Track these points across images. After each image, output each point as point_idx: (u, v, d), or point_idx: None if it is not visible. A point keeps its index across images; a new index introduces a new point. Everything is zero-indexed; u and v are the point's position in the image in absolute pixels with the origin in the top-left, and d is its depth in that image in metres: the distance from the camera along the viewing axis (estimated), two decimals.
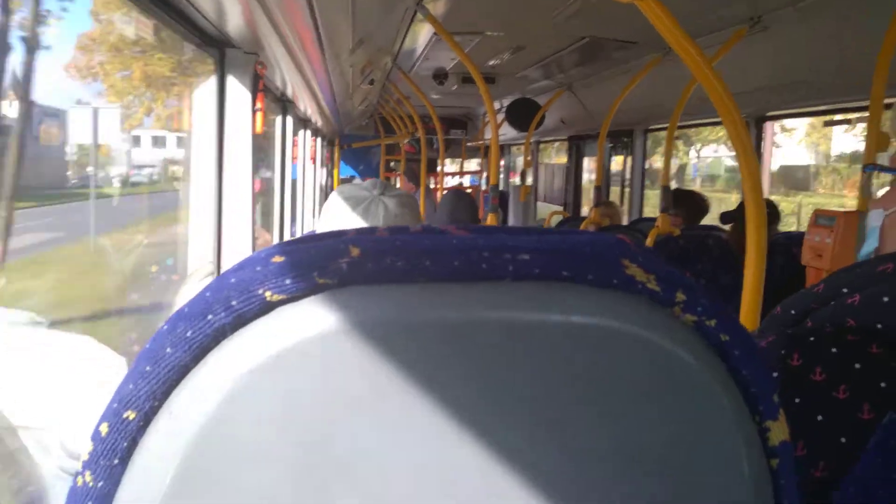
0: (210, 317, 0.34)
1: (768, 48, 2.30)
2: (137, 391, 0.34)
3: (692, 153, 21.82)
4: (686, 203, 3.15)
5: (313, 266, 0.33)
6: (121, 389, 0.35)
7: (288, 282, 0.33)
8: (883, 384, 0.58)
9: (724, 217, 2.77)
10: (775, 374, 0.64)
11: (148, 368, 0.34)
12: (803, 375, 0.62)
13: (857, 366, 0.60)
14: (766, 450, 0.38)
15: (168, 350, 0.34)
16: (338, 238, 0.35)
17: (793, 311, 0.71)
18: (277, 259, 0.34)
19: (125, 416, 0.35)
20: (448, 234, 0.36)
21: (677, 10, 1.20)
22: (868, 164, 1.38)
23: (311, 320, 0.33)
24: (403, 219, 1.20)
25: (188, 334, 0.34)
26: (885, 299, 0.61)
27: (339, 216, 1.20)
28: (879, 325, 0.61)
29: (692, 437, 0.36)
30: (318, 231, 1.24)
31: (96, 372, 1.10)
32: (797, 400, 0.61)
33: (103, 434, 0.35)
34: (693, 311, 0.36)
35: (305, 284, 0.33)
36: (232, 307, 0.33)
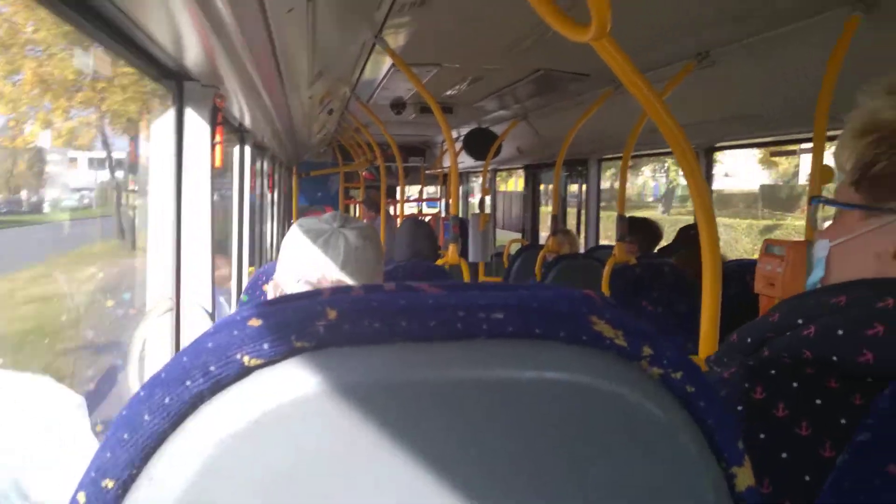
0: (188, 383, 0.33)
1: (717, 82, 2.38)
2: (115, 459, 0.34)
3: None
4: (641, 231, 3.22)
5: (290, 329, 0.34)
6: (98, 457, 0.35)
7: (265, 346, 0.34)
8: (843, 420, 0.59)
9: (666, 250, 2.84)
10: (739, 408, 0.64)
11: (125, 436, 0.34)
12: (767, 410, 0.63)
13: (818, 402, 0.61)
14: (733, 495, 0.39)
15: (146, 417, 0.34)
16: (314, 299, 0.35)
17: (749, 339, 0.72)
18: (254, 322, 0.34)
19: (103, 484, 0.34)
20: (422, 293, 0.36)
21: (628, 44, 1.23)
22: (814, 197, 1.43)
23: (289, 384, 0.33)
24: (364, 251, 1.18)
25: (166, 401, 0.33)
26: (840, 332, 0.62)
27: (299, 249, 1.19)
28: (835, 358, 0.62)
29: (662, 486, 0.37)
30: (277, 265, 1.22)
31: (54, 412, 1.07)
32: (762, 436, 0.62)
33: (81, 503, 0.35)
34: (659, 365, 0.37)
35: (283, 348, 0.34)
36: (210, 373, 0.33)
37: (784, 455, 0.60)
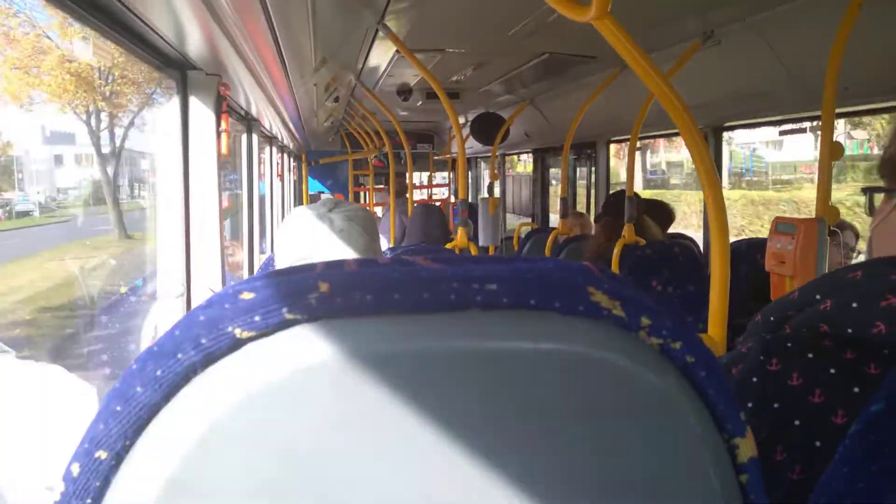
0: (179, 355, 0.33)
1: (723, 62, 2.35)
2: (108, 431, 0.34)
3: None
4: (654, 212, 3.19)
5: (282, 302, 0.34)
6: (91, 429, 0.35)
7: (257, 318, 0.33)
8: (856, 389, 0.60)
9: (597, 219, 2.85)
10: (755, 379, 0.66)
11: (118, 408, 0.34)
12: (781, 380, 0.64)
13: (833, 371, 0.62)
14: (735, 466, 0.39)
15: (138, 389, 0.34)
16: (306, 273, 0.35)
17: (772, 318, 0.73)
18: (246, 295, 0.34)
19: (97, 455, 0.34)
20: (416, 266, 0.36)
21: (632, 26, 1.22)
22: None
23: (280, 356, 0.33)
24: (350, 233, 1.22)
25: (158, 373, 0.34)
26: (854, 305, 0.63)
27: (291, 234, 1.24)
28: (850, 330, 0.63)
29: (662, 457, 0.37)
30: (274, 252, 1.26)
31: (65, 401, 1.08)
32: (776, 405, 0.63)
33: (75, 474, 0.35)
34: (658, 335, 0.37)
35: (274, 320, 0.34)
36: (201, 345, 0.33)
37: (797, 422, 0.61)
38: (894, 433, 0.53)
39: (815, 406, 0.61)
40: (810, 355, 0.64)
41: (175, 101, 1.83)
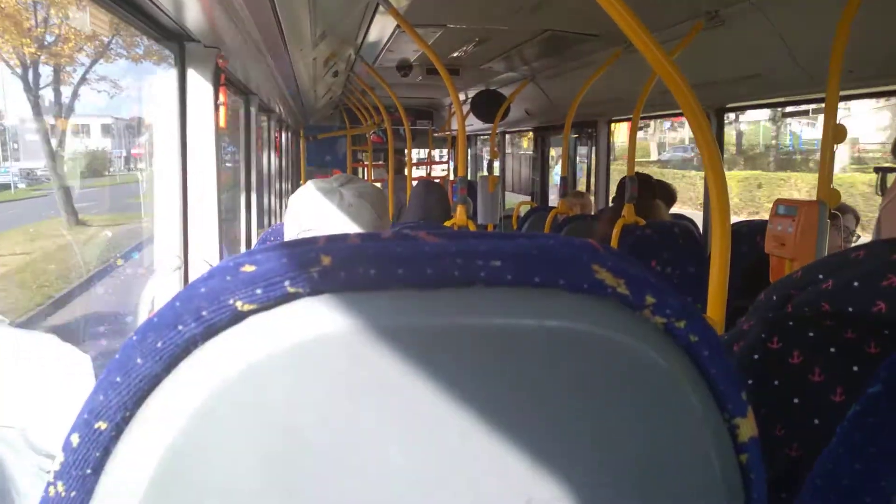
0: (180, 327, 0.33)
1: (727, 42, 2.33)
2: (108, 402, 0.34)
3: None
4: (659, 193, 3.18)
5: (284, 275, 0.33)
6: (91, 400, 0.35)
7: (259, 291, 0.33)
8: (855, 368, 0.61)
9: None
10: (755, 357, 0.66)
11: (118, 379, 0.34)
12: (782, 359, 0.65)
13: (833, 349, 0.63)
14: (735, 445, 0.39)
15: (138, 360, 0.33)
16: (308, 246, 0.35)
17: (774, 297, 0.74)
18: (247, 268, 0.34)
19: (96, 426, 0.34)
20: (420, 241, 0.36)
21: (636, 4, 1.21)
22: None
23: (282, 329, 0.33)
24: (360, 209, 1.22)
25: (158, 345, 0.33)
26: (856, 284, 0.64)
27: (301, 206, 1.24)
28: (850, 309, 0.64)
29: (664, 434, 0.37)
30: (284, 222, 1.26)
31: (60, 369, 1.08)
32: (776, 382, 0.64)
33: (74, 445, 0.35)
34: (662, 314, 0.37)
35: (276, 293, 0.33)
36: (202, 317, 0.33)
37: (796, 400, 0.62)
38: (892, 415, 0.53)
39: (814, 384, 0.62)
40: (811, 334, 0.64)
41: (172, 73, 1.81)
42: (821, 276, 0.68)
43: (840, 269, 0.67)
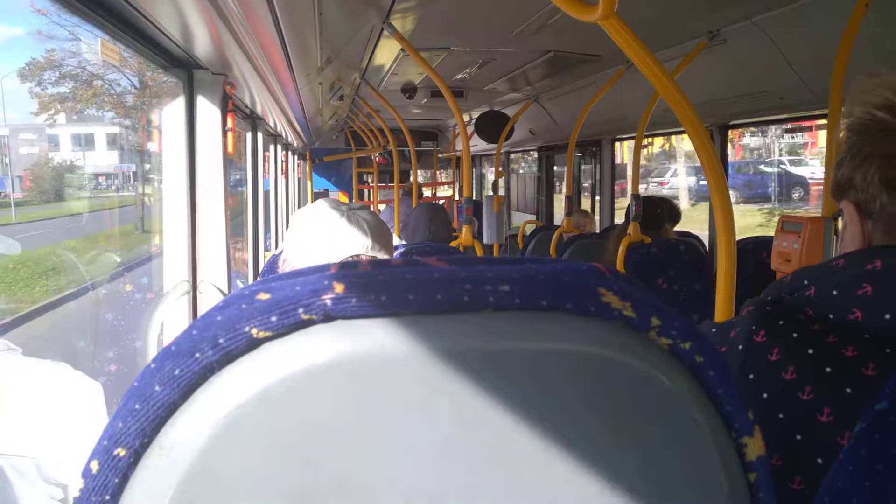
0: (197, 355, 0.34)
1: (729, 60, 2.35)
2: (127, 429, 0.35)
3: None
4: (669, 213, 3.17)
5: (298, 303, 0.34)
6: (110, 427, 0.35)
7: (273, 319, 0.34)
8: (828, 369, 0.64)
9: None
10: (741, 347, 0.70)
11: (137, 406, 0.34)
12: (762, 354, 0.69)
13: (810, 351, 0.66)
14: (743, 465, 0.39)
15: (156, 388, 0.34)
16: (321, 273, 0.36)
17: (769, 298, 0.77)
18: (262, 296, 0.35)
19: (115, 453, 0.35)
20: (429, 267, 0.37)
21: (638, 24, 1.22)
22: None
23: (297, 355, 0.34)
24: (383, 227, 1.19)
25: (176, 372, 0.34)
26: (835, 292, 0.68)
27: (319, 232, 1.17)
28: (831, 316, 0.67)
29: (672, 455, 0.37)
30: (289, 250, 1.21)
31: (72, 397, 1.08)
32: (751, 376, 0.68)
33: (94, 471, 0.36)
34: (668, 335, 0.37)
35: (291, 321, 0.34)
36: (219, 345, 0.34)
37: (765, 395, 0.66)
38: None
39: (785, 382, 0.65)
40: (795, 335, 0.68)
41: (181, 100, 1.84)
42: (805, 283, 0.72)
43: (822, 277, 0.70)
